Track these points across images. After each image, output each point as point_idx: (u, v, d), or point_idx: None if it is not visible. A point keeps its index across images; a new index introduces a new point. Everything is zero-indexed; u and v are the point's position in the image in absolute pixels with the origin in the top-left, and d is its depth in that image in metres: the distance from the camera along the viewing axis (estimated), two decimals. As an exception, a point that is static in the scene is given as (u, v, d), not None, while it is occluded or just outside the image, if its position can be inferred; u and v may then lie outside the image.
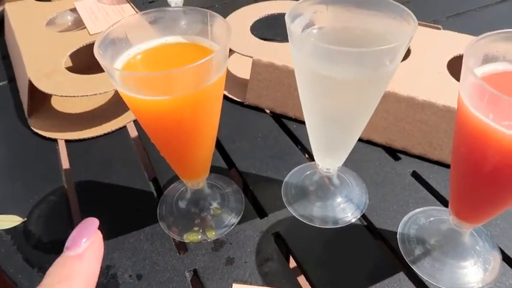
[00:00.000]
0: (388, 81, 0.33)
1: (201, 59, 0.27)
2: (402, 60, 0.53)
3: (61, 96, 0.50)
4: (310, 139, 0.40)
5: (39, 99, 0.58)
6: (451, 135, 0.45)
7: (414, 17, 0.30)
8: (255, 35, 0.60)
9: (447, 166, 0.48)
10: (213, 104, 0.32)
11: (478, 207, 0.32)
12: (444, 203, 0.44)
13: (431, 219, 0.42)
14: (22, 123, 0.56)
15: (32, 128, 0.55)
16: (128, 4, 0.69)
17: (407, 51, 0.55)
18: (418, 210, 0.43)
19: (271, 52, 0.55)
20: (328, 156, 0.40)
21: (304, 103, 0.36)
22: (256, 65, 0.55)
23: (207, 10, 0.33)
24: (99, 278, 0.39)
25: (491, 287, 0.36)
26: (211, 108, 0.32)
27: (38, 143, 0.53)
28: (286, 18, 0.31)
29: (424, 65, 0.52)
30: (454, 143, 0.31)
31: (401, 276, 0.38)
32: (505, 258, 0.39)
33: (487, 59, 0.29)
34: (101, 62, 0.29)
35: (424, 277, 0.37)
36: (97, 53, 0.29)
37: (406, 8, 0.31)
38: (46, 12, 0.68)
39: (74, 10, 0.70)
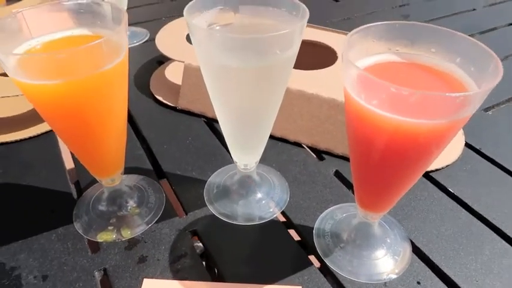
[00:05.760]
0: (285, 74, 0.34)
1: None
2: (328, 66, 0.55)
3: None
4: (224, 136, 0.40)
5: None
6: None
7: (306, 11, 0.32)
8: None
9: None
10: (112, 92, 0.32)
11: (375, 192, 0.33)
12: (362, 199, 0.45)
13: (346, 214, 0.42)
14: None
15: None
16: None
17: (333, 57, 0.57)
18: (336, 206, 0.44)
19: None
20: (242, 151, 0.40)
21: (213, 97, 0.36)
22: (188, 70, 0.55)
23: (109, 2, 0.33)
24: (1, 280, 0.38)
25: (399, 276, 0.37)
26: (110, 96, 0.32)
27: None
28: (185, 13, 0.32)
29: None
30: (347, 132, 0.32)
31: (312, 269, 0.38)
32: (415, 249, 0.40)
33: (370, 51, 0.31)
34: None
35: (336, 270, 0.38)
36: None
37: (302, 4, 0.33)
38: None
39: None
